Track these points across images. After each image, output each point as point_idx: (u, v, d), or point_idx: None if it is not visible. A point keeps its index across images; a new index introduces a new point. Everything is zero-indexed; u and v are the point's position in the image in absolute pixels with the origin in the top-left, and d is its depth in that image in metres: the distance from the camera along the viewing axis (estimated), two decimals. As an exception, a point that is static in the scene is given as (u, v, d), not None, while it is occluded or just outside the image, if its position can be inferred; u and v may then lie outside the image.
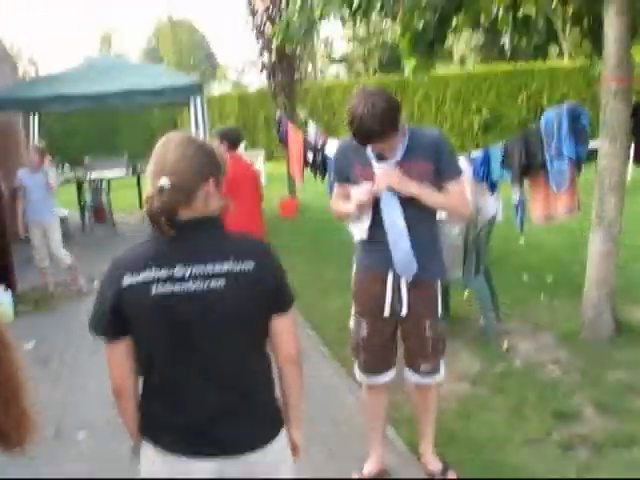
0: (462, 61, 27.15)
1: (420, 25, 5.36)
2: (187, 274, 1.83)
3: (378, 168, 2.92)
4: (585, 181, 5.26)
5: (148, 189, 1.87)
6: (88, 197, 11.31)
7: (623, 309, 5.20)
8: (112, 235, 10.74)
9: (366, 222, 2.99)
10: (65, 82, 10.20)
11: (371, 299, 3.07)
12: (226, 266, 1.85)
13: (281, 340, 1.99)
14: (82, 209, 11.57)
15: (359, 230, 3.09)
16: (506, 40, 5.84)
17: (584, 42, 5.98)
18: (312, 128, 8.83)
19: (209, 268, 1.84)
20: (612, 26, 4.47)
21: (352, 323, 3.20)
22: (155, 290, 1.82)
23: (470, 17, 5.76)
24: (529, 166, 5.29)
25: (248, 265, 1.87)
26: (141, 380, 1.97)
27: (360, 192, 2.92)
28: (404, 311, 3.02)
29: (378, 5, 4.98)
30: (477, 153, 5.97)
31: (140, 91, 9.82)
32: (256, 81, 20.24)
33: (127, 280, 1.83)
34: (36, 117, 11.98)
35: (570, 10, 5.82)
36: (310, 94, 20.45)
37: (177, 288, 1.82)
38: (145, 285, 1.82)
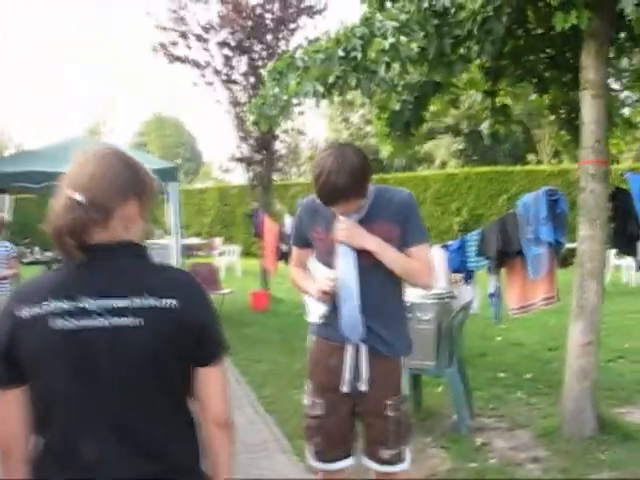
0: (443, 166, 27.62)
1: (397, 105, 5.27)
2: (93, 308, 1.53)
3: (338, 222, 2.66)
4: (564, 283, 5.04)
5: (55, 204, 1.58)
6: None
7: (606, 406, 4.87)
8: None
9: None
10: (38, 159, 10.03)
11: (327, 373, 2.73)
12: (141, 301, 1.55)
13: (208, 398, 1.67)
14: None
15: (317, 308, 2.82)
16: (485, 127, 5.79)
17: (561, 132, 5.93)
18: (288, 220, 8.69)
19: (120, 302, 1.54)
20: (588, 107, 4.38)
21: (306, 401, 2.86)
22: (55, 325, 1.52)
23: (447, 101, 5.72)
24: (506, 253, 5.09)
25: (168, 302, 1.57)
26: (33, 439, 1.62)
27: (323, 283, 2.66)
28: (364, 387, 2.69)
29: (354, 82, 4.88)
30: (453, 242, 5.80)
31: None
32: (239, 177, 20.35)
33: (24, 313, 1.54)
34: (7, 196, 11.77)
35: (547, 99, 5.81)
36: (291, 191, 20.57)
37: (82, 323, 1.53)
38: (45, 318, 1.52)
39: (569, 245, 5.19)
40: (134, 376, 1.56)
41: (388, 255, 2.62)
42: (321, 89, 4.88)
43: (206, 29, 10.96)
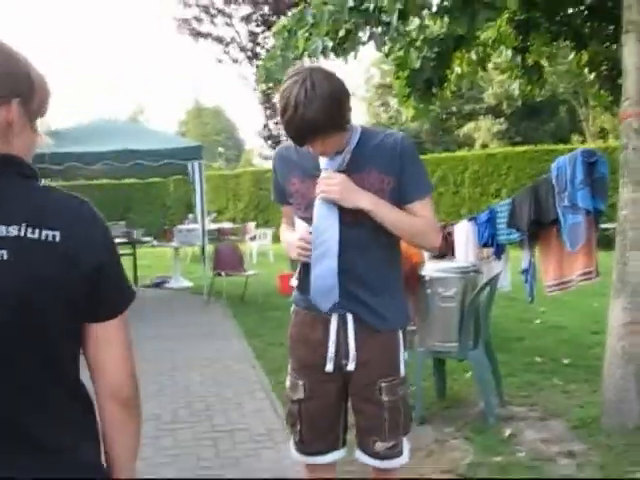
0: (484, 148, 26.87)
1: (417, 63, 4.77)
2: None
3: (323, 176, 2.21)
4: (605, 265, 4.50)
5: None
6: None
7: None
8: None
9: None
10: (63, 140, 9.79)
11: (309, 350, 2.30)
12: (7, 230, 1.17)
13: (104, 366, 1.28)
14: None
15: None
16: (515, 87, 5.26)
17: (601, 92, 5.36)
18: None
19: None
20: (631, 54, 3.83)
21: (288, 383, 2.43)
22: None
23: (474, 61, 5.20)
24: (540, 223, 4.58)
25: (49, 235, 1.19)
26: None
27: (304, 232, 2.22)
28: (351, 365, 2.24)
29: (366, 36, 4.42)
30: (481, 214, 5.31)
31: (133, 151, 9.33)
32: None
33: None
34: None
35: (586, 57, 5.25)
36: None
37: None
38: None
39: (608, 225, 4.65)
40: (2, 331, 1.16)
41: (386, 215, 2.16)
42: (330, 44, 4.43)
43: (228, 2, 10.56)
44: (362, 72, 36.80)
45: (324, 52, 4.48)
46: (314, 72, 2.03)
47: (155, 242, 12.66)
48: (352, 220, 2.16)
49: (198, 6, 10.72)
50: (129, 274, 11.61)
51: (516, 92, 5.19)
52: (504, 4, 4.17)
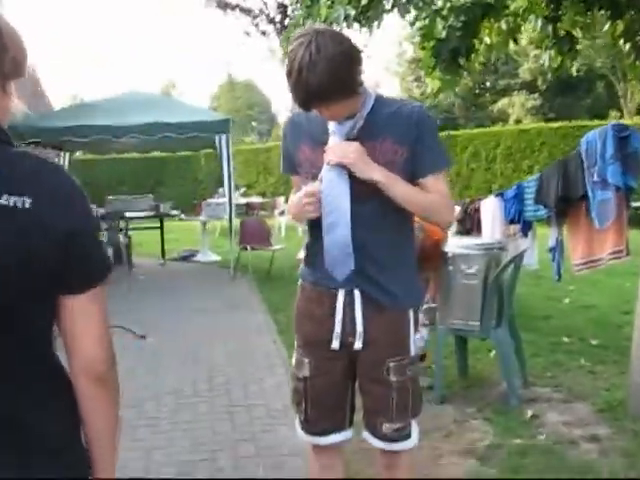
0: (517, 124, 26.40)
1: (442, 33, 4.61)
2: None
3: (334, 143, 2.09)
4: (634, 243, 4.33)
5: None
6: (105, 236, 10.74)
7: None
8: (127, 276, 10.10)
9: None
10: (92, 112, 9.78)
11: (315, 325, 2.22)
12: None
13: (79, 340, 1.22)
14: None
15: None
16: (546, 58, 5.07)
17: (637, 63, 5.13)
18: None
19: None
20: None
21: (293, 361, 2.35)
22: None
23: (504, 31, 5.01)
24: (568, 199, 4.43)
25: (18, 201, 1.12)
26: None
27: (306, 190, 2.12)
28: (358, 343, 2.16)
29: (390, 3, 4.27)
30: (508, 190, 5.17)
31: (160, 124, 9.29)
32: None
33: None
34: (66, 155, 11.67)
35: (621, 26, 5.03)
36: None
37: None
38: None
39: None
40: None
41: (398, 188, 2.06)
42: (353, 12, 4.29)
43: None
44: (395, 47, 36.32)
45: (347, 20, 4.35)
46: (320, 34, 1.91)
47: (183, 216, 12.68)
48: (362, 194, 2.06)
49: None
50: (156, 247, 11.74)
51: (546, 64, 4.98)
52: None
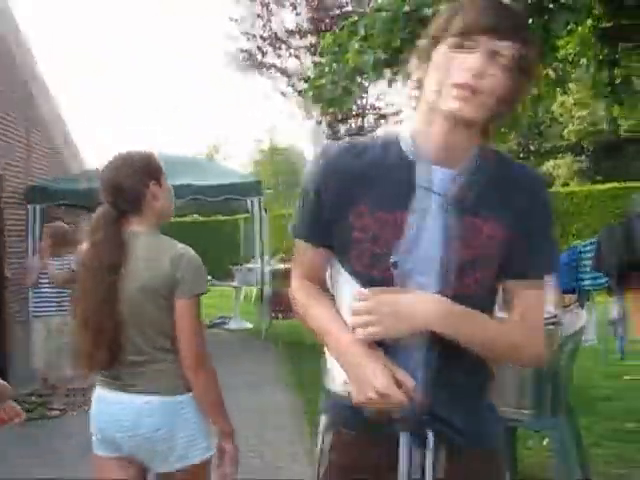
0: (564, 187, 25.83)
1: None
2: None
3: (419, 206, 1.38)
4: None
5: None
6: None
7: None
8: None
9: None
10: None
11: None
12: None
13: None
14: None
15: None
16: (601, 109, 4.56)
17: None
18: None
19: None
20: None
21: None
22: None
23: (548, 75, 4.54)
24: (633, 265, 3.85)
25: None
26: None
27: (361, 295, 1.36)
28: None
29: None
30: (562, 255, 4.61)
31: (189, 186, 8.98)
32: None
33: None
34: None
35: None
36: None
37: None
38: None
39: None
40: None
41: (467, 331, 1.37)
42: (382, 56, 3.88)
43: (291, 32, 10.25)
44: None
45: (375, 67, 3.94)
46: None
47: (215, 281, 12.32)
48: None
49: (262, 37, 10.41)
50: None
51: (601, 113, 4.48)
52: (587, 6, 3.53)
